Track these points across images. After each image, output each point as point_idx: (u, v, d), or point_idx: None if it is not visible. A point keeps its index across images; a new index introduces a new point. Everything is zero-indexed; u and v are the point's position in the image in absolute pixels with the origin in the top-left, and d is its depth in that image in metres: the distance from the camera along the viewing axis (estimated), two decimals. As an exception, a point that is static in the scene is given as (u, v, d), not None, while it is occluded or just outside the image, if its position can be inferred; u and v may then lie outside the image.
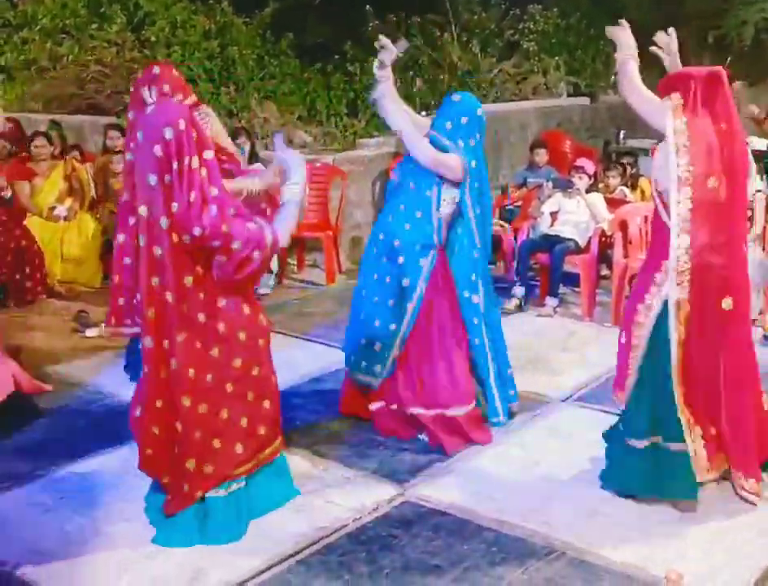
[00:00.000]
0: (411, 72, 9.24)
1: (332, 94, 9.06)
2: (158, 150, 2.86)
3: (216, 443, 3.10)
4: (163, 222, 2.91)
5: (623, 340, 3.43)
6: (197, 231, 2.88)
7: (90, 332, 5.37)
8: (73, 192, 6.60)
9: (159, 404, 3.08)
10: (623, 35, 3.40)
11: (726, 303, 3.21)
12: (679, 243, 3.13)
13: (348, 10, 9.90)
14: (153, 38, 8.89)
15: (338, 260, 6.90)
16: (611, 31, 3.42)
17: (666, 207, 3.20)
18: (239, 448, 3.14)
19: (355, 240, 7.33)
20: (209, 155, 2.95)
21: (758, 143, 6.59)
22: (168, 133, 2.85)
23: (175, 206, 2.88)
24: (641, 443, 3.31)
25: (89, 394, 4.24)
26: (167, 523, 3.14)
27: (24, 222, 6.33)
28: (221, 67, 8.91)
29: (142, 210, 2.95)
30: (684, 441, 3.25)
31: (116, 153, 6.54)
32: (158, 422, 3.09)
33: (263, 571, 2.96)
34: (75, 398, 4.47)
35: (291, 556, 3.05)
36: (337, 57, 9.47)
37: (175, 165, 2.86)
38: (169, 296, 2.97)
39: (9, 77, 9.79)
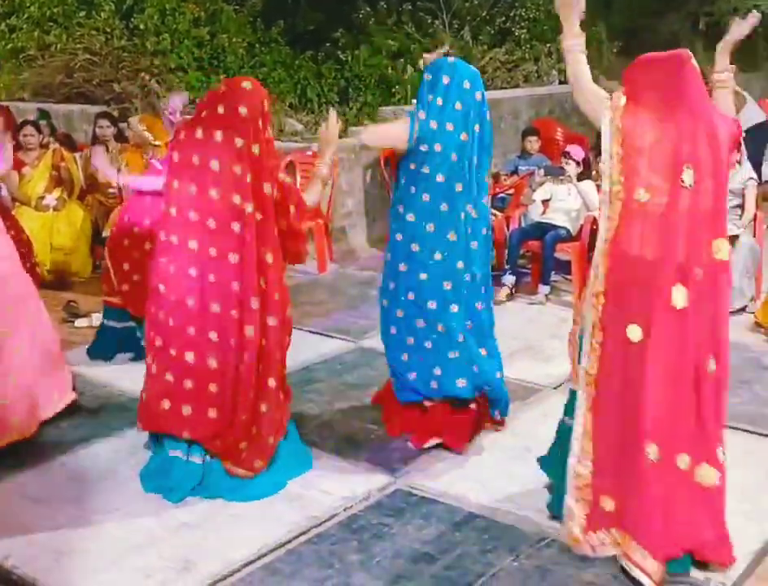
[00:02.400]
0: (402, 60, 9.19)
1: (323, 81, 9.02)
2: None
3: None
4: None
5: None
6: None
7: (80, 322, 5.35)
8: (62, 182, 6.56)
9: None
10: (572, 15, 2.89)
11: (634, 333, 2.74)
12: (598, 263, 2.81)
13: (339, -2, 9.86)
14: (142, 26, 8.82)
15: (330, 248, 6.88)
16: (561, 9, 2.91)
17: None
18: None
19: (346, 229, 7.31)
20: None
21: (757, 115, 6.10)
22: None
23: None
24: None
25: (80, 384, 4.22)
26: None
27: (13, 212, 6.28)
28: (211, 55, 8.85)
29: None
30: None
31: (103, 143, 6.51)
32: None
33: (253, 561, 2.95)
34: (65, 388, 4.44)
35: (282, 545, 3.04)
36: (328, 45, 9.42)
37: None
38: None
39: (-3, 66, 9.71)
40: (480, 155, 3.68)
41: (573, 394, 3.05)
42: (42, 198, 6.46)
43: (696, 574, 2.86)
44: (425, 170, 3.57)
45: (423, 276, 3.63)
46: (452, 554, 2.98)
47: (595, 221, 5.90)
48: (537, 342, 5.10)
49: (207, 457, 3.37)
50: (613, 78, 11.41)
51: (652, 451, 2.73)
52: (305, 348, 4.96)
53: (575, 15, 2.91)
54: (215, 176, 3.18)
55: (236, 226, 3.19)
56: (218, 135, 3.16)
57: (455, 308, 3.65)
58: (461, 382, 3.64)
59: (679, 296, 2.70)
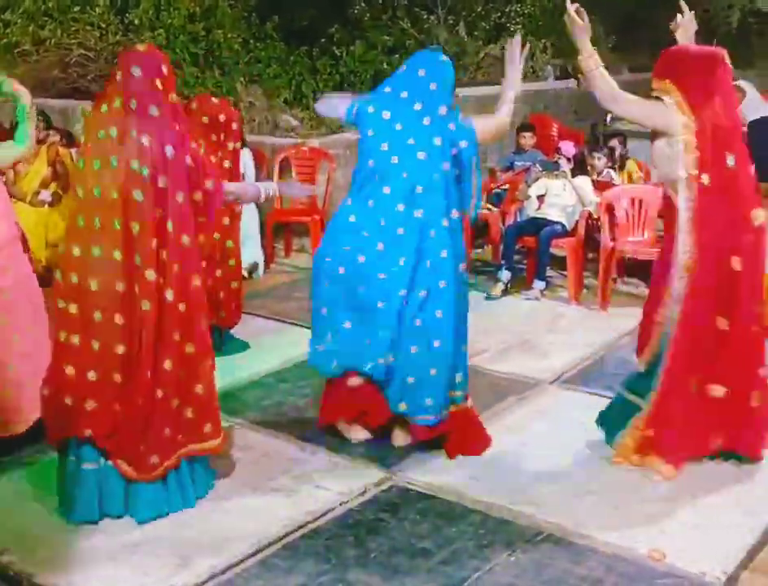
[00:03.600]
0: (397, 55, 9.18)
1: (318, 77, 9.00)
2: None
3: (190, 413, 3.16)
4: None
5: (648, 309, 3.53)
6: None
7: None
8: (58, 177, 6.54)
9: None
10: (582, 35, 3.34)
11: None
12: (684, 240, 3.26)
13: (334, -7, 9.83)
14: (137, 21, 8.79)
15: (326, 244, 6.87)
16: (572, 27, 3.33)
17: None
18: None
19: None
20: None
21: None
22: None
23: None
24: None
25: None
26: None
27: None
28: (206, 50, 8.82)
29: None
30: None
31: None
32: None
33: (249, 556, 2.96)
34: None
35: (278, 540, 3.05)
36: (323, 40, 9.40)
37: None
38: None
39: (-9, 61, 9.66)
40: (446, 153, 3.47)
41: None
42: (38, 193, 6.45)
43: (690, 568, 2.88)
44: (361, 155, 3.57)
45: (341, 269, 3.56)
46: (448, 549, 2.99)
47: (590, 216, 5.92)
48: (532, 337, 5.12)
49: (102, 461, 3.11)
50: (608, 73, 11.46)
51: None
52: (302, 343, 4.96)
53: (584, 33, 3.35)
54: (113, 144, 3.00)
55: (138, 194, 2.98)
56: (116, 101, 3.03)
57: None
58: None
59: (735, 263, 3.31)
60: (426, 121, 3.48)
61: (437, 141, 3.47)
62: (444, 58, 3.64)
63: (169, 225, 3.02)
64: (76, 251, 3.05)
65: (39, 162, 6.52)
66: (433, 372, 3.51)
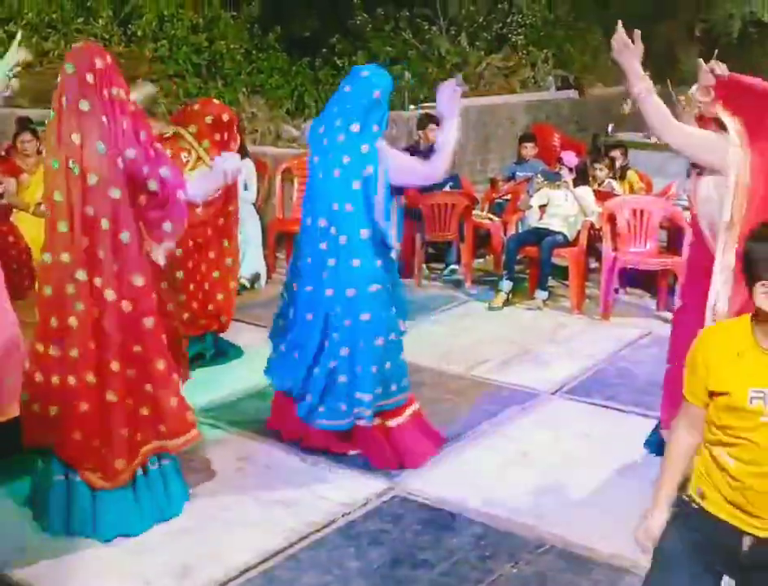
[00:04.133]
0: (399, 65, 9.21)
1: (320, 88, 9.02)
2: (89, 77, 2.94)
3: (145, 411, 3.13)
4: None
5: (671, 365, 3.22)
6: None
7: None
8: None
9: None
10: (632, 60, 2.95)
11: None
12: (719, 291, 2.93)
13: (336, 4, 9.87)
14: (140, 32, 8.82)
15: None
16: (622, 51, 2.96)
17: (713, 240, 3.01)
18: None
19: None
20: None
21: None
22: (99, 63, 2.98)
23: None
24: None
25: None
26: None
27: (11, 218, 6.28)
28: (209, 61, 8.85)
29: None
30: None
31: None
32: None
33: (252, 567, 2.95)
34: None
35: (281, 551, 3.04)
36: (325, 51, 9.44)
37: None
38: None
39: (-6, 72, 9.70)
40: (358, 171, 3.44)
41: None
42: (40, 204, 6.44)
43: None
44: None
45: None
46: (450, 560, 2.98)
47: (592, 226, 5.93)
48: (534, 347, 5.11)
49: (69, 473, 3.08)
50: (609, 84, 11.49)
51: None
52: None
53: (636, 58, 2.94)
54: (57, 142, 3.00)
55: (58, 195, 2.98)
56: (55, 102, 3.02)
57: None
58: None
59: None
60: (340, 138, 3.49)
61: (345, 159, 3.46)
62: (366, 73, 3.54)
63: (104, 223, 2.96)
64: (46, 258, 3.06)
65: (41, 172, 6.53)
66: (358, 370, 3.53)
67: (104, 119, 2.96)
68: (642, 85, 2.94)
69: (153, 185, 3.02)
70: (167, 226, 3.10)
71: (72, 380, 3.02)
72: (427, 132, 6.50)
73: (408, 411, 3.70)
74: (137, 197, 3.03)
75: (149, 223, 3.09)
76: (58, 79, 3.04)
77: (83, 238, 2.96)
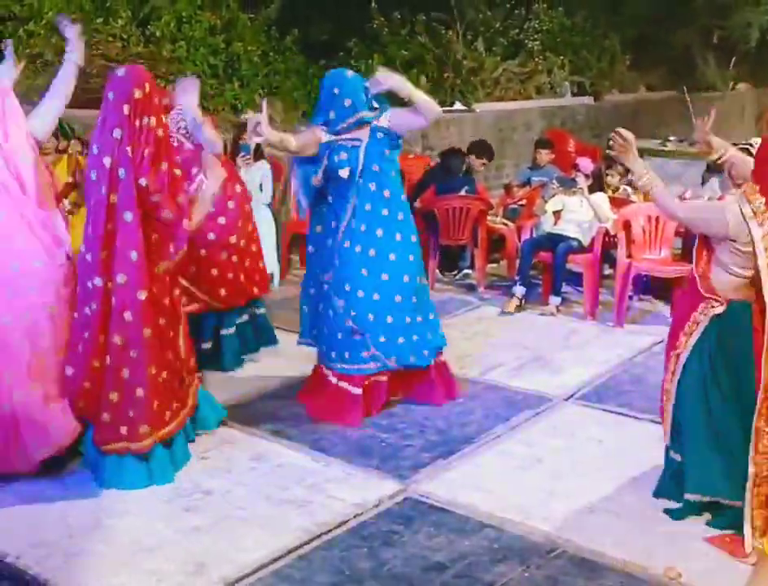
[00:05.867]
0: (415, 70, 9.23)
1: (336, 91, 9.05)
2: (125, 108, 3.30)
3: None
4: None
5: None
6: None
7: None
8: (77, 187, 6.61)
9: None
10: (631, 157, 3.14)
11: None
12: None
13: (353, 7, 9.90)
14: (158, 33, 8.88)
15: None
16: (622, 156, 3.16)
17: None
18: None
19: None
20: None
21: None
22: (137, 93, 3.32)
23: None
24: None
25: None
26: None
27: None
28: (226, 62, 8.90)
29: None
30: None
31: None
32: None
33: (264, 566, 2.96)
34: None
35: (292, 551, 3.05)
36: (341, 54, 9.47)
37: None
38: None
39: (14, 71, 9.78)
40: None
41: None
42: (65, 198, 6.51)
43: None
44: None
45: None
46: (462, 563, 2.99)
47: (607, 233, 5.92)
48: (547, 353, 5.11)
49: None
50: (625, 90, 11.47)
51: None
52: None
53: (635, 154, 3.15)
54: (93, 158, 3.42)
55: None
56: (101, 121, 3.39)
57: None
58: None
59: None
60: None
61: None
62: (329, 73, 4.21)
63: (118, 241, 3.34)
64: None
65: (60, 171, 6.58)
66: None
67: (128, 149, 3.30)
68: (648, 174, 3.13)
69: (166, 214, 3.39)
70: (171, 248, 3.47)
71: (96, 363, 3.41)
72: None
73: None
74: (148, 219, 3.38)
75: (155, 244, 3.43)
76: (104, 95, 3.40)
77: (101, 251, 3.39)
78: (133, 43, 8.98)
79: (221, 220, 4.63)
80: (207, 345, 4.69)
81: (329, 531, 3.18)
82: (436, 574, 2.93)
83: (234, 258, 4.71)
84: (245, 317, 4.88)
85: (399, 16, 9.81)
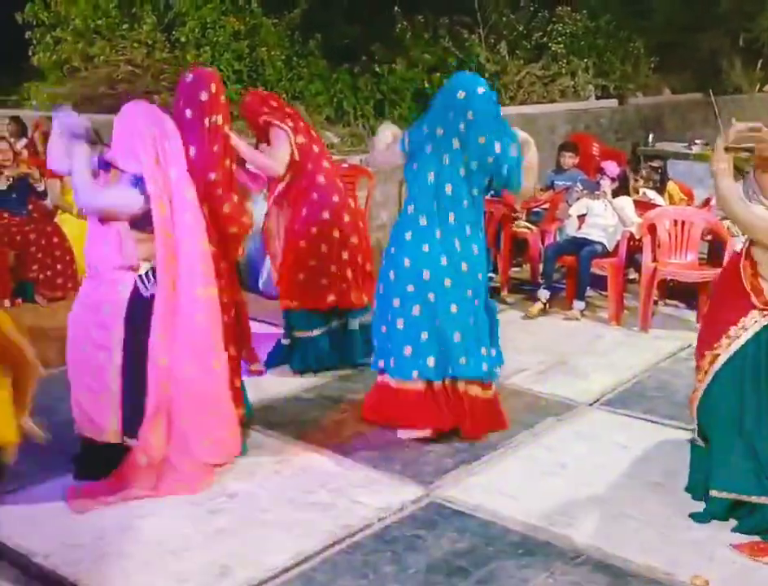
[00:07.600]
0: (438, 74, 9.24)
1: (359, 95, 9.09)
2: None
3: None
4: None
5: None
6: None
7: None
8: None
9: None
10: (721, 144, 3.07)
11: None
12: None
13: (376, 12, 9.93)
14: (183, 39, 8.98)
15: (364, 260, 6.90)
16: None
17: None
18: None
19: (381, 240, 7.33)
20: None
21: None
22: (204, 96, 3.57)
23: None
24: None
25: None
26: None
27: (55, 219, 6.42)
28: (250, 67, 8.98)
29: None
30: None
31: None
32: None
33: (288, 569, 2.98)
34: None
35: (317, 554, 3.06)
36: (364, 58, 9.50)
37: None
38: None
39: (41, 77, 9.92)
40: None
41: None
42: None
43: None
44: None
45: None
46: (486, 568, 2.98)
47: (632, 237, 5.88)
48: (571, 358, 5.09)
49: None
50: (649, 93, 11.38)
51: None
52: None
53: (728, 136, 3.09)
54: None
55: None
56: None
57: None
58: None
59: None
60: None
61: None
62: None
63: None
64: None
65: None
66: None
67: (192, 149, 3.50)
68: (722, 164, 3.06)
69: (226, 208, 3.60)
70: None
71: None
72: None
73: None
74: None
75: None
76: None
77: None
78: (158, 49, 9.09)
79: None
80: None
81: (353, 534, 3.19)
82: (459, 579, 2.93)
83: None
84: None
85: (421, 20, 9.83)
